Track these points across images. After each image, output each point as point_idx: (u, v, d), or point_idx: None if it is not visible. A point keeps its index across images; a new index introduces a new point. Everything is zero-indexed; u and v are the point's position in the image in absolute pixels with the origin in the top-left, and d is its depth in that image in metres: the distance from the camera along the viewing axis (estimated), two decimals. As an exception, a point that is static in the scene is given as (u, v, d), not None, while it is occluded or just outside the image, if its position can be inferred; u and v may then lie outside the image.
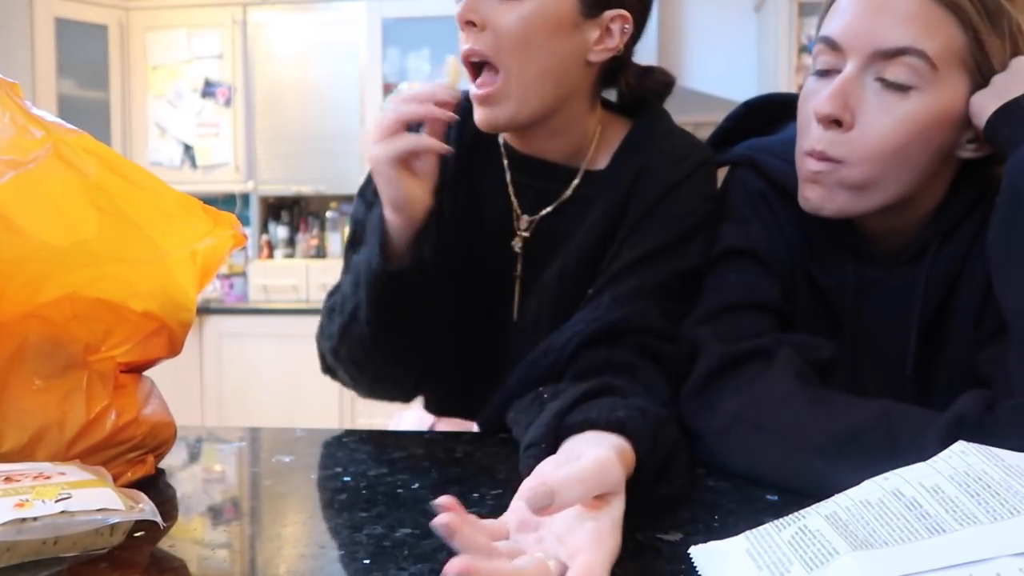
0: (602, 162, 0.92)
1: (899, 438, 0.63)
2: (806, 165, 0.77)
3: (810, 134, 0.76)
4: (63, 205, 0.63)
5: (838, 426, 0.65)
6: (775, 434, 0.68)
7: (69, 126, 0.64)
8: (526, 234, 0.92)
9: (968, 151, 0.75)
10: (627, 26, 0.85)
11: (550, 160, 0.91)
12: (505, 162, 0.93)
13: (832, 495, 0.59)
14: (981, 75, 0.72)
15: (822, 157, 0.75)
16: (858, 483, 0.60)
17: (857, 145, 0.73)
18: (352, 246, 0.93)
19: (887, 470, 0.60)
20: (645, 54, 0.93)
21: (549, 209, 0.91)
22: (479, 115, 0.85)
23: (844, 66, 0.73)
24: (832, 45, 0.74)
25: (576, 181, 0.91)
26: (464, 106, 0.88)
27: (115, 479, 0.65)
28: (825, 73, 0.76)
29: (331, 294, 0.94)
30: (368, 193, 0.92)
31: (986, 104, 0.71)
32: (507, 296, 0.93)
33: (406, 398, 0.98)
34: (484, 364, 0.93)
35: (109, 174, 0.64)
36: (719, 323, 0.78)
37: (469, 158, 0.93)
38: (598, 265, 0.88)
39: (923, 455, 0.59)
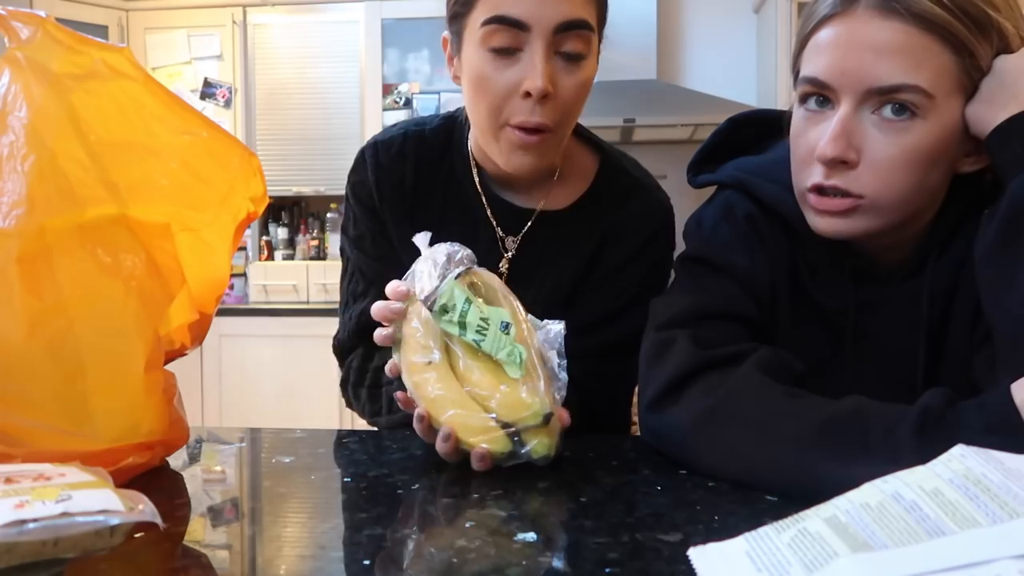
0: (567, 193, 1.01)
1: (872, 428, 0.63)
2: (811, 201, 0.75)
3: (812, 171, 0.74)
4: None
5: (812, 417, 0.65)
6: (750, 425, 0.68)
7: (110, 43, 0.70)
8: (512, 253, 1.01)
9: (967, 164, 0.74)
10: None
11: (520, 184, 1.00)
12: (483, 197, 1.01)
13: (805, 486, 0.60)
14: (975, 87, 0.71)
15: (836, 191, 0.73)
16: (831, 474, 0.61)
17: (870, 179, 0.72)
18: (347, 278, 1.05)
19: (861, 461, 0.61)
20: (645, 54, 0.94)
21: (526, 229, 1.00)
22: (521, 159, 0.90)
23: (835, 102, 0.72)
24: (820, 85, 0.73)
25: (540, 212, 1.00)
26: (436, 131, 1.01)
27: (122, 457, 0.66)
28: (814, 108, 0.75)
29: (337, 336, 1.05)
30: (349, 228, 1.04)
31: (979, 112, 0.70)
32: None
33: None
34: None
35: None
36: (699, 327, 0.78)
37: (445, 185, 1.01)
38: (576, 287, 1.00)
39: (895, 446, 0.61)
